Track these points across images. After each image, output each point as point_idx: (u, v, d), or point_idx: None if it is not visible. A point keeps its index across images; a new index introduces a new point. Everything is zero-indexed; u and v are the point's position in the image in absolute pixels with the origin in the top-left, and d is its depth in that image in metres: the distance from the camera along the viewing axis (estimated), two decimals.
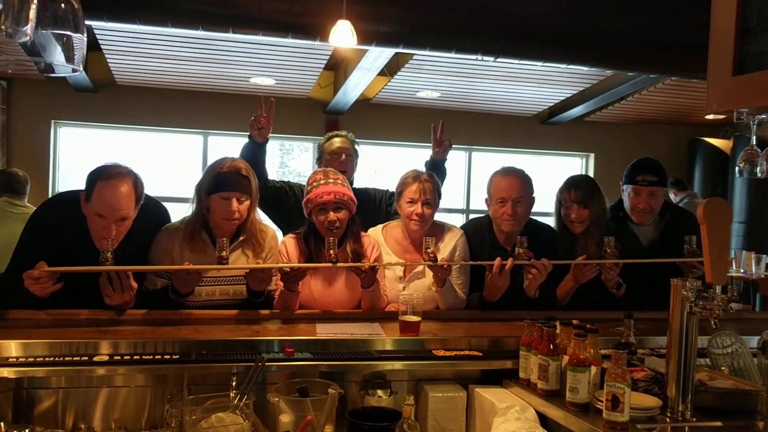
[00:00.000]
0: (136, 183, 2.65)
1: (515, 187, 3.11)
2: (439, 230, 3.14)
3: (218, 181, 2.74)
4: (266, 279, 2.74)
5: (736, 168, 2.32)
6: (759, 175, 2.23)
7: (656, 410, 1.90)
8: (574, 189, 3.22)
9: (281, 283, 2.82)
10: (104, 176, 2.58)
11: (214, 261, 2.66)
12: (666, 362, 1.99)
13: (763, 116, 2.03)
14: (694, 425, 1.87)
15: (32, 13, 1.12)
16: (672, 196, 7.10)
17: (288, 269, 2.73)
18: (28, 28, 1.15)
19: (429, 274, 2.99)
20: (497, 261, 2.87)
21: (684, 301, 1.91)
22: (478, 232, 3.26)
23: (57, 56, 1.36)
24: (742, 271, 6.45)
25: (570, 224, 3.22)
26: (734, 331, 2.36)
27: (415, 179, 3.06)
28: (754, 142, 2.27)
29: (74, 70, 1.41)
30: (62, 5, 1.26)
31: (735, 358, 2.27)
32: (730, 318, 2.93)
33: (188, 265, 2.60)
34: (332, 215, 2.86)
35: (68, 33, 1.27)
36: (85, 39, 1.40)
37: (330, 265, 2.70)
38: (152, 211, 2.91)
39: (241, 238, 2.82)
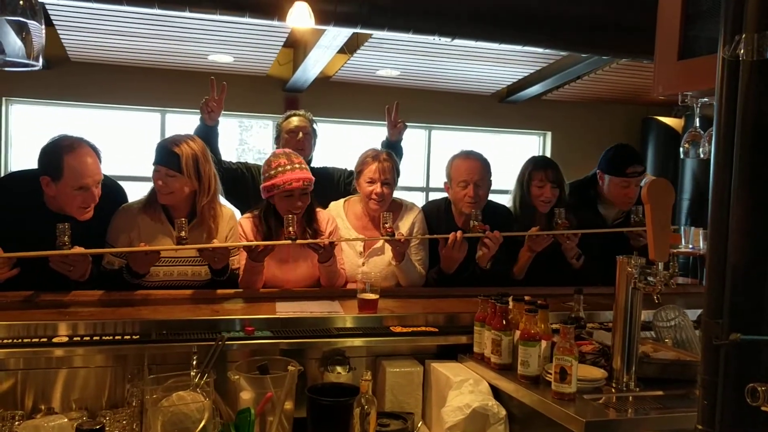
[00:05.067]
0: (93, 146, 2.73)
1: (476, 170, 3.19)
2: (397, 207, 3.20)
3: (155, 153, 2.82)
4: (221, 257, 2.75)
5: (681, 149, 2.41)
6: (702, 156, 2.31)
7: (602, 381, 2.00)
8: (549, 169, 3.33)
9: (244, 262, 2.85)
10: (67, 150, 2.62)
11: (172, 237, 2.71)
12: (612, 335, 2.08)
13: (706, 99, 2.10)
14: (638, 394, 1.97)
15: None
16: None
17: (252, 247, 2.76)
18: None
19: (388, 250, 3.05)
20: (452, 235, 2.95)
21: (629, 278, 1.99)
22: (436, 214, 3.33)
23: (12, 49, 1.34)
24: (690, 246, 6.65)
25: (539, 203, 3.31)
26: (681, 304, 2.47)
27: (374, 159, 3.10)
28: (698, 124, 2.35)
29: (31, 66, 1.39)
30: (20, 1, 1.24)
31: (678, 331, 2.38)
32: (677, 292, 3.06)
33: (144, 246, 2.62)
34: (298, 203, 2.88)
35: (24, 20, 1.25)
36: (44, 29, 1.39)
37: (290, 242, 2.74)
38: (110, 189, 2.91)
39: (195, 221, 2.83)
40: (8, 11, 1.27)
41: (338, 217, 3.14)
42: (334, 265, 2.96)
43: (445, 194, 3.38)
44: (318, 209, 3.07)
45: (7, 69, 1.43)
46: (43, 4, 4.25)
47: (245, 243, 2.83)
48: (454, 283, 3.10)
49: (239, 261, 2.92)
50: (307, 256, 2.99)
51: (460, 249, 3.00)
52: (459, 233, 2.97)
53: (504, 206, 3.44)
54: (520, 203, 3.38)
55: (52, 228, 2.49)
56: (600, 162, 3.54)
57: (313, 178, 2.96)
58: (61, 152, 2.61)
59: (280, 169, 2.91)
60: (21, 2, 1.28)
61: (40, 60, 1.43)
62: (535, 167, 3.37)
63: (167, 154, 2.77)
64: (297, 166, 2.92)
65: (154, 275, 2.78)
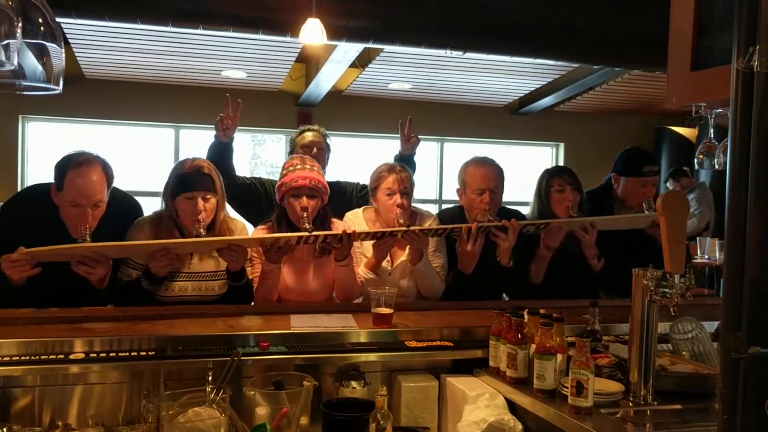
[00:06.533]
0: (106, 168, 2.71)
1: (492, 177, 3.20)
2: (414, 216, 3.19)
3: (181, 182, 2.77)
4: (240, 256, 2.75)
5: (696, 160, 2.40)
6: (717, 167, 2.31)
7: (619, 395, 1.98)
8: (567, 175, 3.35)
9: (258, 272, 2.86)
10: (74, 165, 2.62)
11: (186, 258, 2.76)
12: (628, 349, 2.06)
13: (720, 110, 2.10)
14: (655, 408, 1.95)
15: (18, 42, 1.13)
16: (670, 186, 7.28)
17: (269, 246, 2.75)
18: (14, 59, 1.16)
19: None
20: (465, 226, 2.97)
21: (645, 290, 1.98)
22: (450, 222, 3.32)
23: (33, 73, 1.36)
24: (706, 257, 6.60)
25: (559, 208, 3.30)
26: (698, 316, 2.44)
27: (390, 171, 3.11)
28: (712, 135, 2.35)
29: (52, 90, 1.41)
30: (41, 26, 1.26)
31: (695, 343, 2.35)
32: (693, 304, 3.02)
33: (163, 241, 2.66)
34: (305, 201, 2.88)
35: (45, 43, 1.27)
36: (63, 52, 1.41)
37: (306, 233, 2.74)
38: (125, 204, 2.94)
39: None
40: (29, 35, 1.29)
41: (358, 225, 3.12)
42: (350, 266, 2.93)
43: (457, 203, 3.38)
44: (334, 220, 3.07)
45: (27, 93, 1.45)
46: (59, 23, 4.33)
47: (263, 236, 2.82)
48: (473, 284, 3.08)
49: (254, 272, 2.93)
50: (322, 266, 2.99)
51: (476, 242, 2.98)
52: (474, 224, 2.96)
53: (517, 210, 3.43)
54: (539, 215, 3.37)
55: (67, 240, 2.53)
56: (615, 165, 3.56)
57: (325, 183, 2.97)
58: (68, 165, 2.63)
59: (291, 168, 2.95)
60: (42, 28, 1.30)
61: (60, 83, 1.44)
62: (552, 174, 3.37)
63: (200, 176, 2.78)
64: (308, 167, 2.96)
65: (169, 290, 2.80)
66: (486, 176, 3.19)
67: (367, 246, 3.09)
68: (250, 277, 2.91)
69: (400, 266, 3.12)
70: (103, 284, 2.65)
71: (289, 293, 2.97)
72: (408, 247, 3.04)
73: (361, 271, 3.06)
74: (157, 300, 2.78)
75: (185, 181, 2.77)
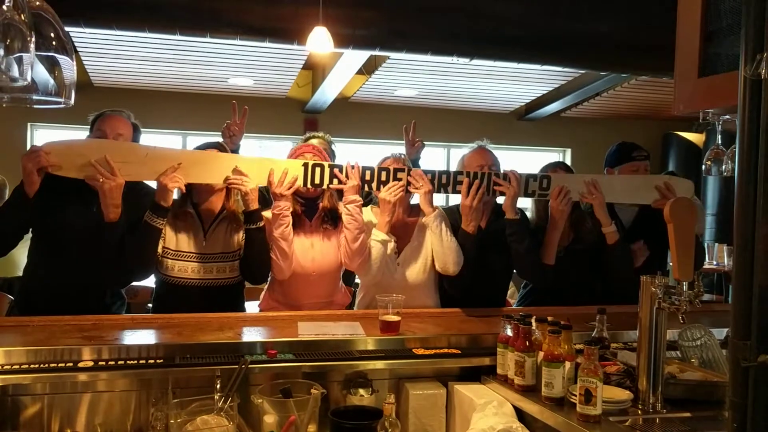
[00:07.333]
0: (135, 125, 3.02)
1: (490, 156, 3.30)
2: (416, 209, 3.19)
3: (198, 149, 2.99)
4: (249, 180, 2.84)
5: (703, 167, 2.40)
6: (724, 173, 2.31)
7: (628, 403, 1.97)
8: (561, 164, 3.51)
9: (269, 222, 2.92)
10: (107, 113, 2.96)
11: (200, 238, 2.89)
12: (637, 356, 2.06)
13: (728, 116, 2.09)
14: (664, 416, 1.94)
15: (31, 56, 1.14)
16: None
17: (276, 181, 2.86)
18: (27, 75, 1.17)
19: (424, 259, 3.08)
20: (466, 181, 3.05)
21: (653, 298, 1.97)
22: (451, 216, 3.32)
23: (45, 86, 1.37)
24: (714, 263, 6.56)
25: None
26: (707, 323, 2.44)
27: (387, 159, 3.19)
28: (720, 141, 2.34)
29: (66, 104, 1.43)
30: (53, 41, 1.28)
31: (704, 350, 2.34)
32: (702, 311, 3.02)
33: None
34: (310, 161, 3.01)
35: (57, 56, 1.28)
36: (75, 65, 1.43)
37: (312, 161, 2.95)
38: (142, 192, 2.99)
39: (222, 215, 2.95)
40: (41, 48, 1.30)
41: (367, 219, 3.12)
42: (359, 205, 2.97)
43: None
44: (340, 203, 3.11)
45: (38, 107, 1.47)
46: (69, 35, 4.36)
47: (272, 158, 2.97)
48: (478, 246, 3.08)
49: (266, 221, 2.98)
50: (330, 237, 3.03)
51: (477, 197, 3.03)
52: (475, 183, 3.04)
53: (521, 209, 3.43)
54: (541, 212, 3.38)
55: (87, 214, 2.73)
56: (606, 161, 3.67)
57: (327, 156, 3.13)
58: (101, 114, 2.95)
59: (295, 147, 3.17)
60: (54, 42, 1.31)
61: (72, 96, 1.46)
62: (551, 167, 3.45)
63: (212, 143, 3.04)
64: (311, 144, 3.23)
65: (182, 271, 2.87)
66: (483, 155, 3.28)
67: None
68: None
69: (408, 254, 3.12)
70: (113, 209, 2.70)
71: (297, 271, 2.99)
72: (414, 232, 3.10)
73: (371, 234, 3.05)
74: (170, 283, 2.88)
75: (199, 147, 3.00)
